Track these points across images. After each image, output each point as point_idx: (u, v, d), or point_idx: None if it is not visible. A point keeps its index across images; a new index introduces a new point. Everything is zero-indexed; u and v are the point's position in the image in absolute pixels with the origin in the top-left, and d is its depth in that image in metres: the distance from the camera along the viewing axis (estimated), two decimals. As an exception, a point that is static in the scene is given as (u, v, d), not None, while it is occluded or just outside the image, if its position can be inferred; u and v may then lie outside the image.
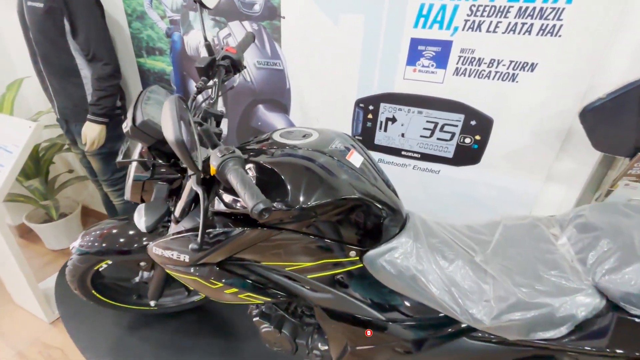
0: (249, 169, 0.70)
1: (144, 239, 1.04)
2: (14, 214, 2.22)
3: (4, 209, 2.36)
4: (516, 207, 1.14)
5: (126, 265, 1.17)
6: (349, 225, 0.69)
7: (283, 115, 1.40)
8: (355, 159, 0.76)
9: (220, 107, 1.52)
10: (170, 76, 1.58)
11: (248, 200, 0.50)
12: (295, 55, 1.26)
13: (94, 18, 1.36)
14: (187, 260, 0.77)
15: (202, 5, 0.90)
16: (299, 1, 1.15)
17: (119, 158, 0.82)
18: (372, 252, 0.70)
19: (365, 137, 1.27)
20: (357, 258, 0.71)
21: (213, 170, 0.58)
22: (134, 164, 0.82)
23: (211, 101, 0.86)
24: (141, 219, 0.70)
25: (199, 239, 0.60)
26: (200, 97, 0.83)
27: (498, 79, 0.99)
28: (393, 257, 0.69)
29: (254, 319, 0.95)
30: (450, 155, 1.17)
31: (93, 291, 1.24)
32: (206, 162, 0.61)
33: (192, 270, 0.79)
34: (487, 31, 0.94)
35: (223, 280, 0.78)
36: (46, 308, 1.62)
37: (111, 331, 1.40)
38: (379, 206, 0.70)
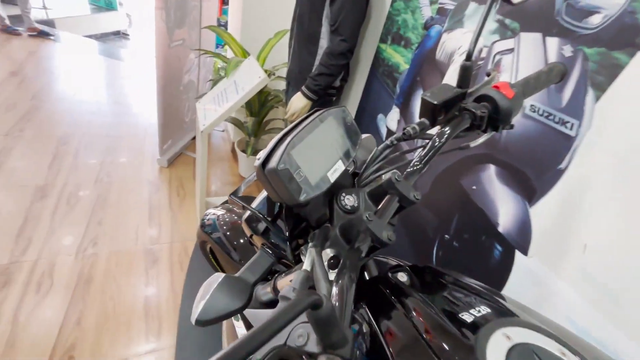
0: None
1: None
2: (239, 134, 2.65)
3: (212, 133, 2.94)
4: None
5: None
6: None
7: (521, 200, 0.83)
8: None
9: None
10: (400, 76, 1.25)
11: None
12: (622, 125, 0.64)
13: (357, -11, 1.17)
14: None
15: (503, -2, 0.47)
16: None
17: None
18: None
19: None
20: None
21: None
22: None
23: (413, 167, 0.46)
24: (199, 304, 0.44)
25: None
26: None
27: None
28: None
29: None
30: None
31: (210, 256, 1.22)
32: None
33: None
34: None
35: None
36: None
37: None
38: None
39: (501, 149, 0.88)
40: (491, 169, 0.91)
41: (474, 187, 0.96)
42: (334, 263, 0.42)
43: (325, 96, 1.42)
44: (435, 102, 0.46)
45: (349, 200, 0.47)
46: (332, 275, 0.42)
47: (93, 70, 3.70)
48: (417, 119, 0.49)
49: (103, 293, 1.49)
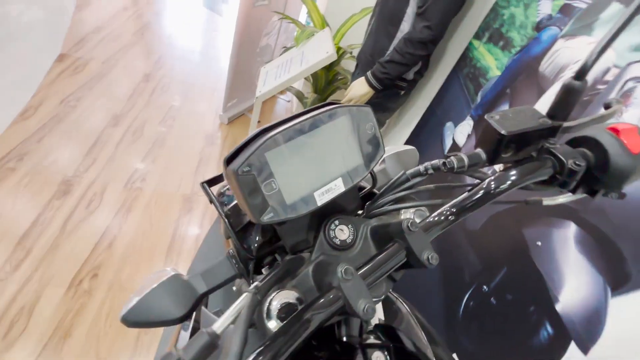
0: None
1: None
2: (300, 108, 2.61)
3: (278, 100, 2.90)
4: None
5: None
6: None
7: (602, 283, 0.62)
8: None
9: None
10: (487, 83, 1.03)
11: None
12: None
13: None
14: None
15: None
16: None
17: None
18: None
19: None
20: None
21: None
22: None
23: (441, 216, 0.33)
24: (133, 299, 0.37)
25: None
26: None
27: None
28: None
29: None
30: None
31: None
32: None
33: None
34: None
35: None
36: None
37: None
38: None
39: (594, 207, 0.65)
40: (570, 229, 0.69)
41: (539, 243, 0.75)
42: (288, 311, 0.32)
43: (392, 87, 1.25)
44: (503, 132, 0.30)
45: (341, 232, 0.36)
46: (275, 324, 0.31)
47: (192, 19, 3.92)
48: None
49: (137, 226, 1.59)
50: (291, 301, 0.31)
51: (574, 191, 0.32)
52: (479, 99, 1.05)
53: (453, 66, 1.23)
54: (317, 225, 0.36)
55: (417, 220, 0.31)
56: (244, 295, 0.27)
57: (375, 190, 0.45)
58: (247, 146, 0.30)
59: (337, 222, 0.35)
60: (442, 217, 0.31)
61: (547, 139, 0.32)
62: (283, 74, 1.46)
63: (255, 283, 0.29)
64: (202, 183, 0.43)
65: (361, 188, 0.44)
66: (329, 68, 1.87)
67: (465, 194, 0.32)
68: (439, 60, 1.33)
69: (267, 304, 0.30)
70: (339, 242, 0.35)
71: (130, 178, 1.78)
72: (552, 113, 0.32)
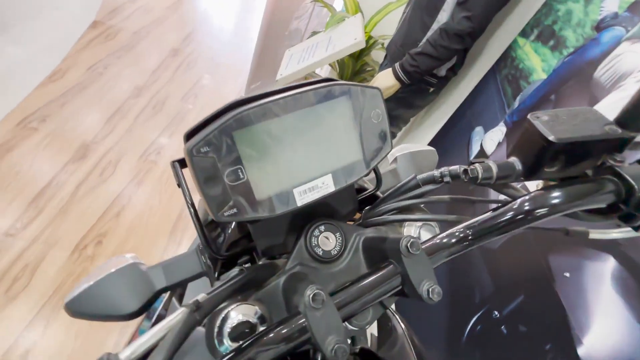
0: None
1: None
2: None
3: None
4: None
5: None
6: None
7: (636, 337, 0.52)
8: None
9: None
10: (528, 87, 0.92)
11: None
12: None
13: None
14: None
15: None
16: None
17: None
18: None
19: None
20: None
21: None
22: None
23: (451, 238, 0.25)
24: (81, 285, 0.32)
25: None
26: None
27: None
28: None
29: None
30: None
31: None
32: None
33: None
34: None
35: None
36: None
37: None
38: None
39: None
40: (608, 264, 0.59)
41: (567, 275, 0.66)
42: (248, 330, 0.26)
43: (420, 83, 1.15)
44: (551, 139, 0.22)
45: (326, 240, 0.29)
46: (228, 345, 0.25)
47: (228, -2, 3.90)
48: None
49: (146, 200, 1.59)
50: (250, 320, 0.25)
51: (638, 228, 0.24)
52: (516, 103, 0.94)
53: (491, 65, 1.12)
54: (299, 227, 0.30)
55: (421, 240, 0.25)
56: (180, 310, 0.21)
57: (379, 193, 0.38)
58: (212, 121, 0.24)
59: (322, 227, 0.29)
60: (454, 240, 0.24)
61: (611, 154, 0.24)
62: (307, 58, 1.39)
63: (198, 296, 0.23)
64: (173, 162, 0.37)
65: (362, 189, 0.38)
66: (358, 57, 1.78)
67: (489, 214, 0.25)
68: (476, 58, 1.22)
69: (220, 318, 0.25)
70: (321, 253, 0.28)
71: (145, 151, 1.78)
72: (624, 120, 0.24)
